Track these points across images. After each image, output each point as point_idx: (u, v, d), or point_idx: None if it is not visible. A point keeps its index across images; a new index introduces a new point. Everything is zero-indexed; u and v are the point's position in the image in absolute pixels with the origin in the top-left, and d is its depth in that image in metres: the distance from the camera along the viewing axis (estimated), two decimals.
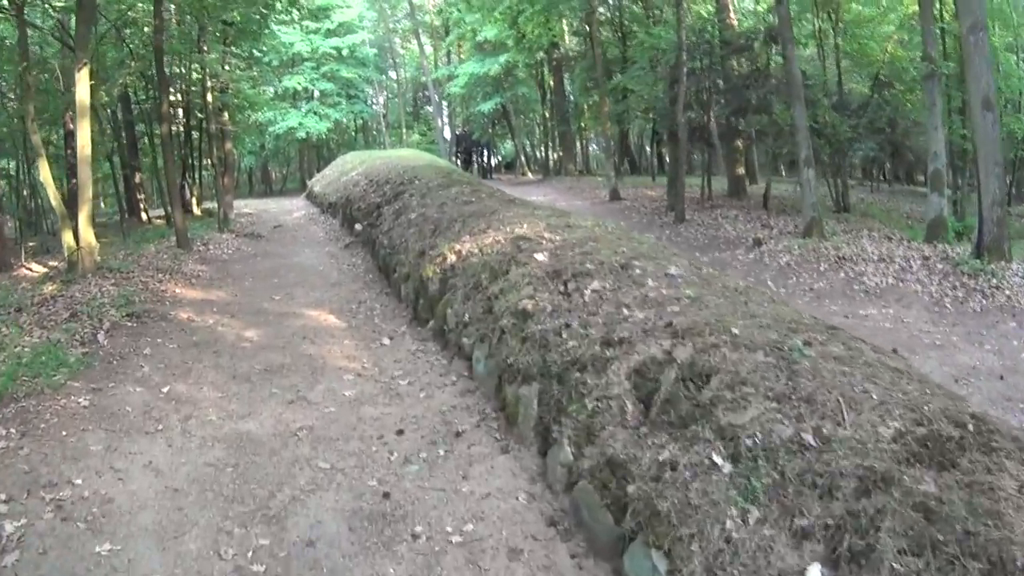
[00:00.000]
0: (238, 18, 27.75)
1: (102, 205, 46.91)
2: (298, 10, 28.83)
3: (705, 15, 33.63)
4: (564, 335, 8.17)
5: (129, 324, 13.43)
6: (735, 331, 6.80)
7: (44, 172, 18.58)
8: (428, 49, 60.03)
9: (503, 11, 36.42)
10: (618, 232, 11.99)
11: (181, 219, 22.32)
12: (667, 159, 42.48)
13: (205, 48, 27.83)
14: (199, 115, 32.13)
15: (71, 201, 31.20)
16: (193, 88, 31.61)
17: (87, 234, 17.15)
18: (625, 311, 8.04)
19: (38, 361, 10.99)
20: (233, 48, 30.28)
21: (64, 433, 8.86)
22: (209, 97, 28.21)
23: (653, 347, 7.12)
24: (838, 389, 5.59)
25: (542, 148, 54.82)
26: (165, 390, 10.43)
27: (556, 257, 10.08)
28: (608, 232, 11.66)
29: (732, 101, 26.28)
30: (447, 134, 57.12)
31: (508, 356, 8.77)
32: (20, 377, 10.31)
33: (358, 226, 22.12)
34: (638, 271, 9.06)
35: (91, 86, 17.51)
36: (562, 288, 9.15)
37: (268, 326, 13.67)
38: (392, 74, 66.85)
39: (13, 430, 8.84)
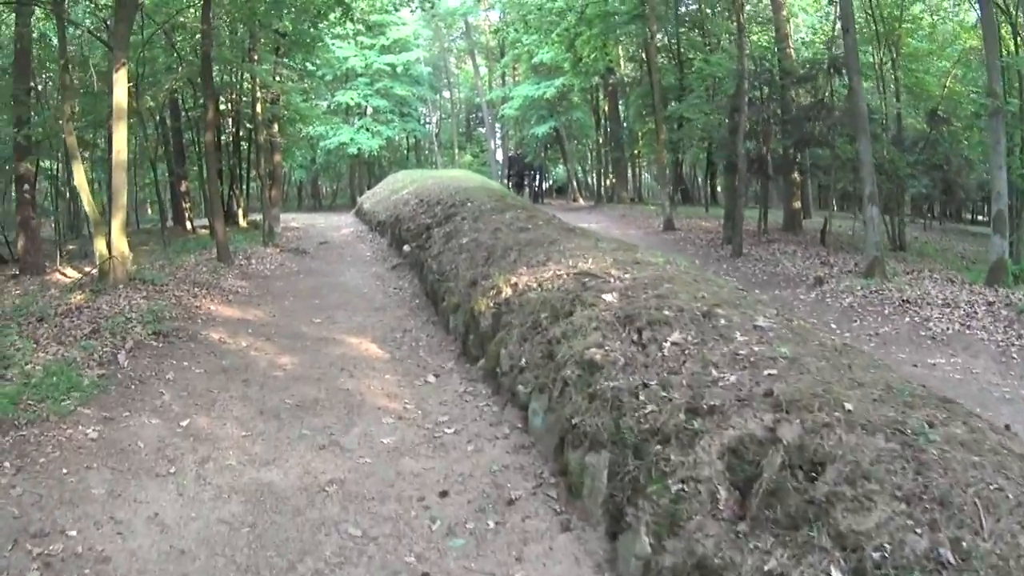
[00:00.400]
0: (290, 28, 26.87)
1: (148, 212, 46.60)
2: (352, 22, 27.67)
3: (765, 44, 32.48)
4: (641, 396, 6.92)
5: (154, 344, 12.40)
6: (848, 407, 5.56)
7: (79, 176, 17.65)
8: (483, 70, 59.18)
9: (560, 33, 35.53)
10: (693, 272, 10.76)
11: (222, 231, 21.34)
12: (720, 189, 41.73)
13: (256, 57, 26.88)
14: (248, 125, 31.26)
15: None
16: (243, 98, 30.76)
17: (120, 243, 16.21)
18: (713, 371, 6.80)
19: (47, 382, 9.94)
20: (285, 59, 29.31)
21: (65, 471, 7.82)
22: (259, 108, 27.23)
23: (751, 421, 5.88)
24: (972, 486, 4.63)
25: (594, 174, 53.63)
26: (184, 424, 9.37)
27: (627, 299, 8.88)
28: (682, 272, 10.45)
29: (793, 132, 24.96)
30: (499, 156, 56.13)
31: (572, 414, 7.51)
32: (24, 401, 9.27)
33: (406, 247, 21.04)
34: (723, 321, 7.81)
35: (137, 91, 16.74)
36: (636, 337, 7.94)
37: (305, 353, 12.57)
38: (446, 94, 65.97)
39: (8, 464, 7.83)
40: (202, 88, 23.73)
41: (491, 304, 11.34)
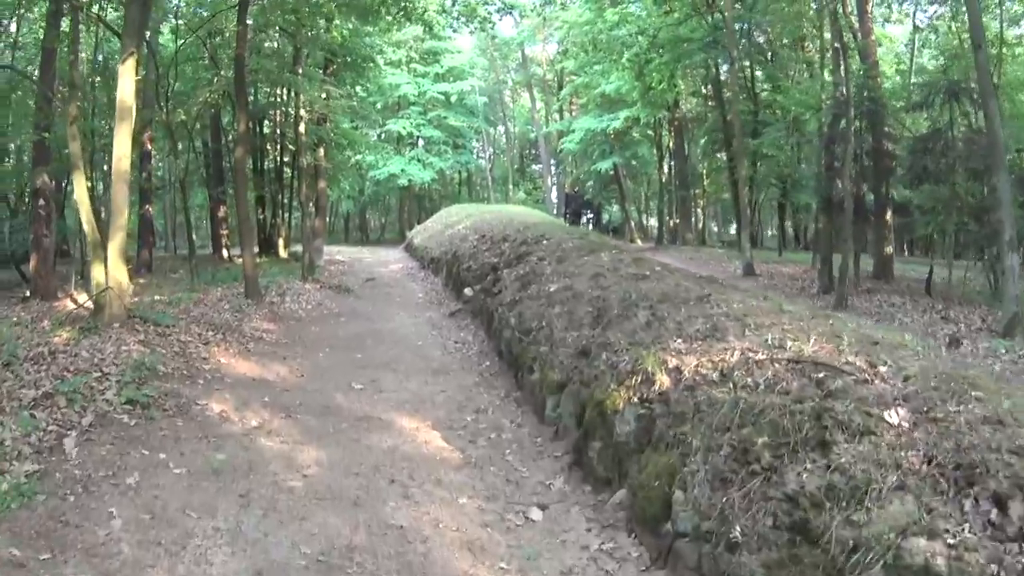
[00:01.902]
0: (338, 38, 23.26)
1: (194, 238, 43.34)
2: (410, 21, 23.72)
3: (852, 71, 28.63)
4: None
5: (125, 419, 8.30)
6: None
7: (79, 188, 13.73)
8: (539, 104, 55.13)
9: (631, 58, 31.55)
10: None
11: (252, 262, 17.53)
12: (789, 230, 37.69)
13: (300, 71, 23.07)
14: (291, 147, 27.51)
15: (144, 230, 27.13)
16: (288, 117, 26.98)
17: (117, 271, 12.44)
18: None
19: None
20: (334, 79, 25.52)
21: None
22: (302, 127, 23.36)
23: None
24: None
25: (655, 214, 49.57)
26: None
27: (932, 422, 4.66)
28: (939, 359, 6.39)
29: (912, 168, 20.89)
30: (554, 193, 52.12)
31: None
32: None
33: (468, 291, 17.07)
34: None
35: (167, 105, 13.08)
36: (993, 516, 3.81)
37: (337, 445, 8.40)
38: (500, 128, 62.10)
39: None
40: (235, 98, 19.80)
41: (634, 398, 7.12)
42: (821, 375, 5.57)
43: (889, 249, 25.11)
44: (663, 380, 6.86)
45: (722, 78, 33.54)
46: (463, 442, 8.78)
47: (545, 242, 16.05)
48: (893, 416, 4.72)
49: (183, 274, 23.36)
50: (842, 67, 21.42)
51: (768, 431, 5.18)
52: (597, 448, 7.45)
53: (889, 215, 23.84)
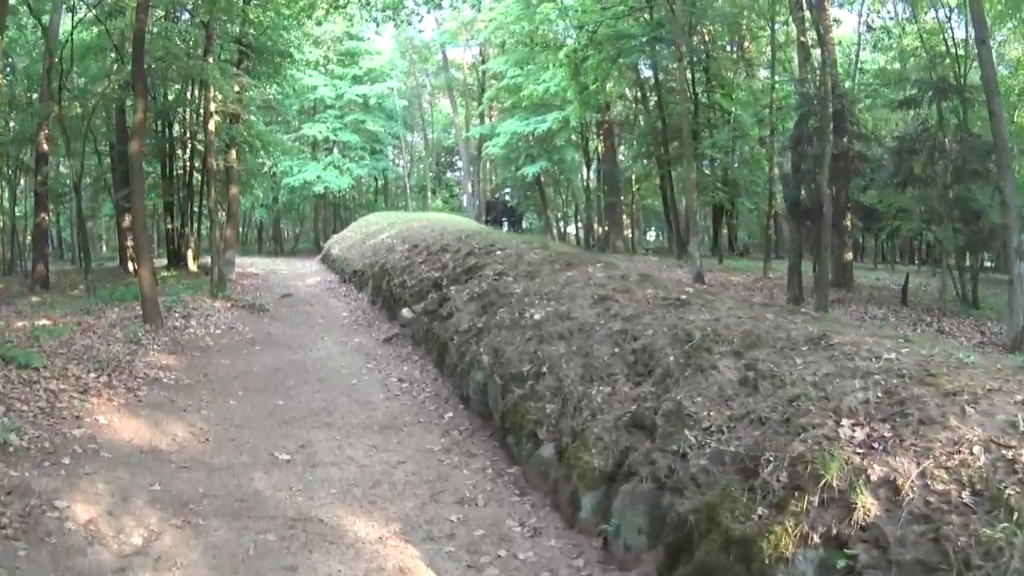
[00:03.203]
0: (256, 21, 20.18)
1: (103, 248, 39.93)
2: (323, 50, 20.93)
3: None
4: None
5: None
6: None
7: None
8: (459, 109, 52.07)
9: (568, 54, 29.14)
10: None
11: (150, 280, 14.32)
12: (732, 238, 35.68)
13: (211, 61, 19.81)
14: (200, 146, 24.19)
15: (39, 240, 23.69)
16: (199, 115, 23.63)
17: None
18: None
19: None
20: (247, 77, 22.26)
21: None
22: (212, 126, 20.06)
23: None
24: None
25: (582, 221, 47.19)
26: None
27: None
28: None
29: (898, 170, 18.86)
30: (476, 199, 49.12)
31: None
32: None
33: (407, 312, 14.05)
34: None
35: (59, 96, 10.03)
36: None
37: None
38: (418, 134, 58.77)
39: None
40: (132, 81, 16.42)
41: (812, 534, 4.06)
42: None
43: (849, 255, 23.12)
44: (867, 503, 3.95)
45: (660, 78, 31.12)
46: (459, 571, 5.78)
47: (499, 252, 13.31)
48: None
49: (83, 290, 20.21)
50: (809, 61, 19.44)
51: None
52: None
53: (848, 220, 21.81)
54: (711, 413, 5.70)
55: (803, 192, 19.88)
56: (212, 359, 12.31)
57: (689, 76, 30.02)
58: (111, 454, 7.51)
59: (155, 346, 12.31)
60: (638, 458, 6.07)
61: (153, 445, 7.93)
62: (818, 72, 20.70)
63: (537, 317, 9.07)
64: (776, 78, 25.74)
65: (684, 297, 8.29)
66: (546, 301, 9.50)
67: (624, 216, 41.86)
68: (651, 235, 57.76)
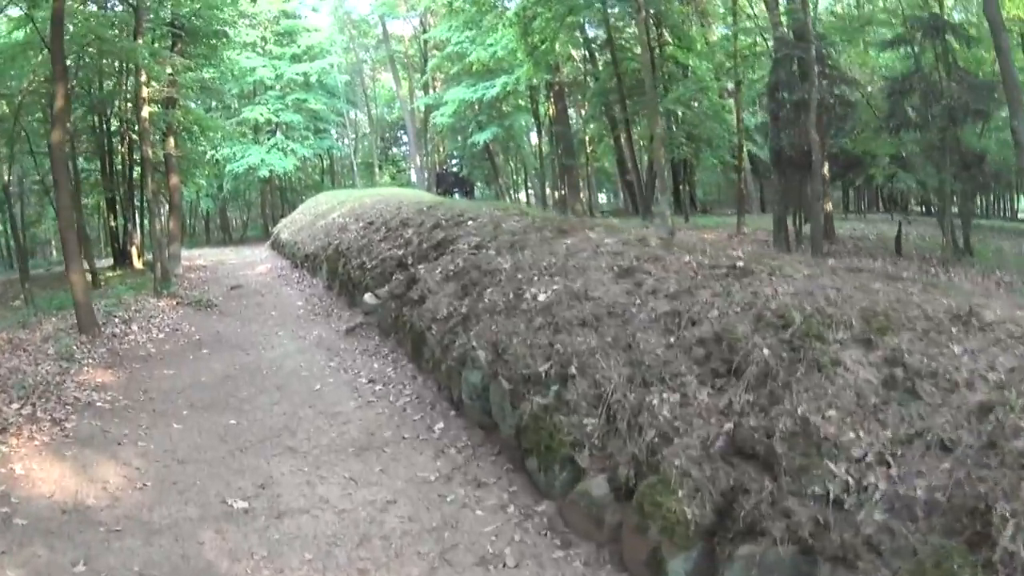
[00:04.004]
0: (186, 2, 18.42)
1: (53, 252, 41.19)
2: (260, 31, 19.14)
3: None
4: None
5: None
6: None
7: None
8: (402, 82, 49.91)
9: (517, 12, 27.68)
10: None
11: (83, 285, 12.66)
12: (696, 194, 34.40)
13: (140, 41, 17.89)
14: (134, 134, 22.30)
15: None
16: (134, 104, 21.56)
17: None
18: None
19: None
20: (181, 59, 20.29)
21: None
22: (146, 112, 18.14)
23: None
24: None
25: (517, 189, 45.69)
26: None
27: None
28: None
29: (893, 114, 17.50)
30: (425, 172, 47.27)
31: None
32: None
33: (369, 297, 12.32)
34: None
35: None
36: None
37: None
38: (362, 111, 56.66)
39: None
40: (52, 65, 14.42)
41: None
42: None
43: (829, 207, 21.67)
44: None
45: (612, 34, 29.46)
46: None
47: (471, 222, 11.64)
48: None
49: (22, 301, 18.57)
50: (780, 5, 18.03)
51: None
52: None
53: (825, 168, 20.44)
54: (860, 434, 3.96)
55: (784, 140, 18.50)
56: (154, 370, 10.59)
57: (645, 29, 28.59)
58: (26, 520, 5.77)
59: (90, 360, 10.65)
60: (757, 504, 4.22)
61: (79, 500, 6.17)
62: (787, 15, 19.47)
63: (542, 298, 7.34)
64: (738, 26, 24.33)
65: (741, 264, 6.52)
66: (548, 277, 7.79)
67: (579, 179, 40.40)
68: (602, 198, 56.43)
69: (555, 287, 7.43)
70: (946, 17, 19.60)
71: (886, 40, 19.54)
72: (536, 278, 7.91)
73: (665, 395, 5.29)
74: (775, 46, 19.47)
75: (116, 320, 13.18)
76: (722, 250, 7.96)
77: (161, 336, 12.70)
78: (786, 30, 19.65)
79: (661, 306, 6.24)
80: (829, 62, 19.52)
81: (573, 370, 6.10)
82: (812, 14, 19.56)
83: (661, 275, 6.78)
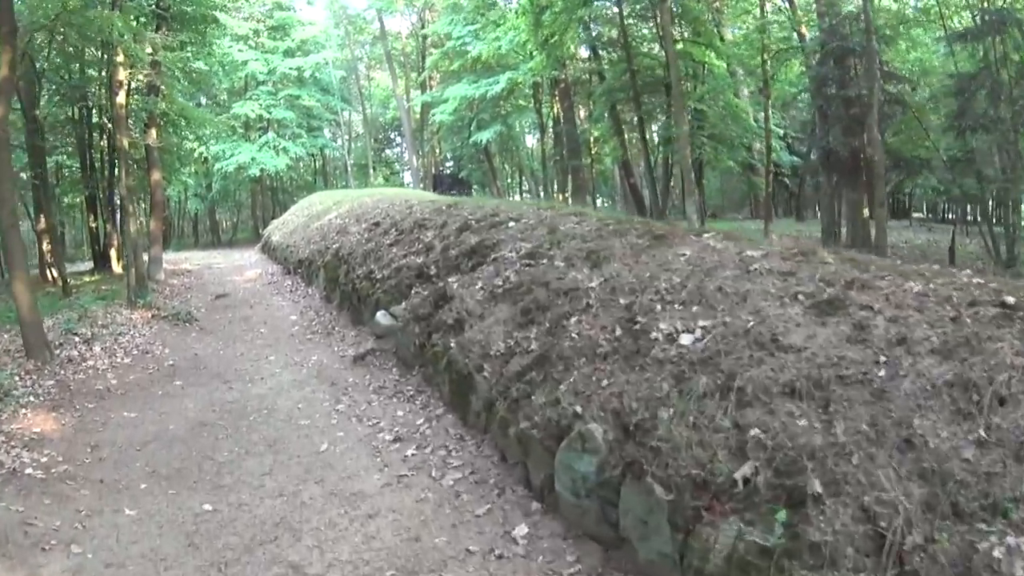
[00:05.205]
0: None
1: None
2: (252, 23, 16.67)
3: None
4: None
5: None
6: None
7: None
8: (399, 80, 47.91)
9: (525, 5, 25.57)
10: None
11: (28, 301, 10.01)
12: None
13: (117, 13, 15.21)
14: (107, 121, 19.57)
15: None
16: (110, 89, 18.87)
17: None
18: None
19: None
20: (162, 37, 17.58)
21: None
22: (121, 98, 15.50)
23: None
24: None
25: (513, 191, 43.49)
26: None
27: None
28: None
29: (964, 113, 15.16)
30: (421, 173, 44.76)
31: None
32: None
33: (383, 316, 9.68)
34: None
35: None
36: None
37: None
38: (357, 111, 54.03)
39: None
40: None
41: None
42: None
43: (866, 212, 19.32)
44: None
45: (626, 28, 26.85)
46: None
47: (512, 224, 9.11)
48: None
49: None
50: None
51: None
52: None
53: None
54: None
55: (833, 140, 16.14)
56: (110, 412, 8.00)
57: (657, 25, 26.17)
58: None
59: (31, 398, 8.18)
60: None
61: None
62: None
63: (688, 341, 4.64)
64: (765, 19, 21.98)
65: (1011, 300, 3.94)
66: (679, 306, 5.14)
67: (587, 180, 37.98)
68: (599, 201, 54.26)
69: (704, 323, 4.76)
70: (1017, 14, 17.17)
71: (955, 33, 16.90)
72: (659, 307, 5.24)
73: (1012, 540, 2.73)
74: (823, 37, 17.32)
75: (76, 340, 10.62)
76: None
77: (127, 361, 10.13)
78: (833, 21, 17.37)
79: (931, 368, 3.60)
80: (883, 58, 17.22)
81: (816, 484, 3.37)
82: (870, 4, 17.13)
83: (894, 313, 4.11)
